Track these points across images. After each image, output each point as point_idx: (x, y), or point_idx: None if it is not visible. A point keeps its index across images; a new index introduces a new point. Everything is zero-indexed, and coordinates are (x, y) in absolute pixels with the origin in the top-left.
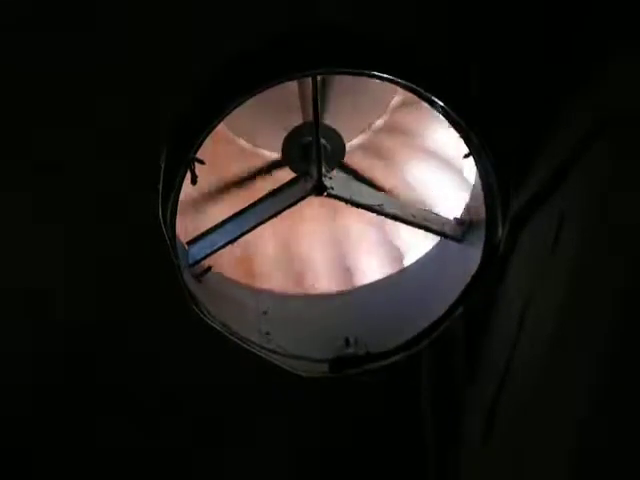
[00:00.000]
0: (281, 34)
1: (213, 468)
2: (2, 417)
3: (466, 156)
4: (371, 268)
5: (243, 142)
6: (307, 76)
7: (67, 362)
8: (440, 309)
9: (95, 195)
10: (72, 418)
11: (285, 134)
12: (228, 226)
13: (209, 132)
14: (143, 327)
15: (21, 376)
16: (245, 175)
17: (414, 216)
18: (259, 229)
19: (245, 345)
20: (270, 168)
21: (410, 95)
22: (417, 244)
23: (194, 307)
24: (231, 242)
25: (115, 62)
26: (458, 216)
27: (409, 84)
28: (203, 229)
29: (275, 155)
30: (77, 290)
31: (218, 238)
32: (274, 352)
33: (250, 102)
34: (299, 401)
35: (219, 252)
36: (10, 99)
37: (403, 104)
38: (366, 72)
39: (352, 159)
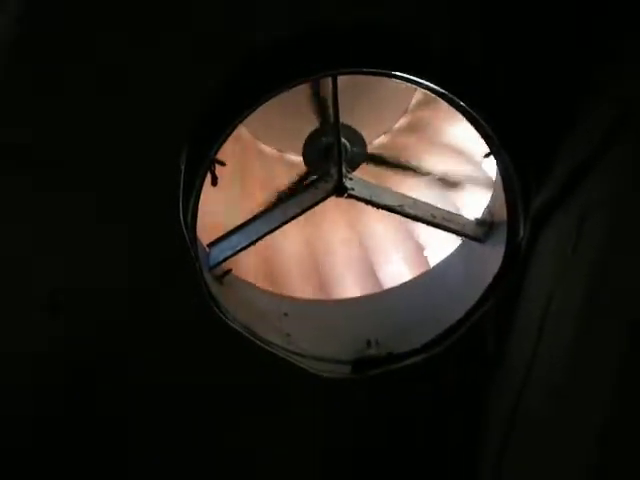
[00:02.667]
0: (302, 35)
1: (231, 470)
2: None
3: (487, 155)
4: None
5: (264, 146)
6: (327, 76)
7: (97, 359)
8: (462, 310)
9: (116, 197)
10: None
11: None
12: (249, 228)
13: (229, 133)
14: (164, 329)
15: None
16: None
17: (434, 216)
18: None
19: (266, 347)
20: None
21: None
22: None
23: (215, 309)
24: (252, 244)
25: (136, 61)
26: (479, 216)
27: (429, 84)
28: None
29: (297, 158)
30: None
31: (239, 240)
32: (295, 354)
33: (270, 104)
34: (321, 402)
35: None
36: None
37: (423, 102)
38: (386, 72)
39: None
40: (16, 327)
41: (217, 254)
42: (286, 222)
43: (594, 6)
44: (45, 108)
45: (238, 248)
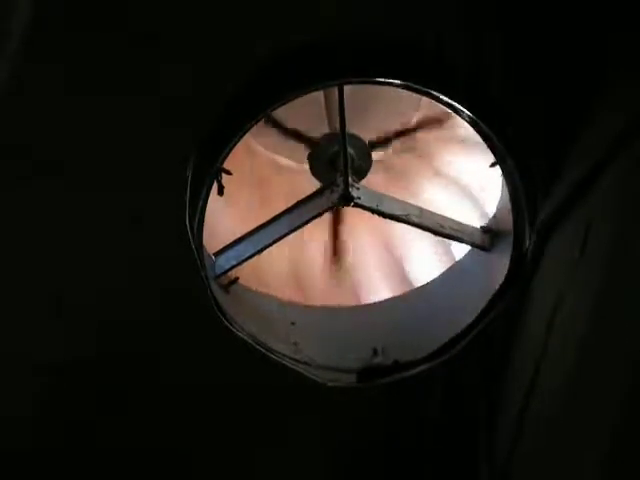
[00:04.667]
0: (309, 43)
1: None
2: None
3: (492, 165)
4: None
5: (268, 153)
6: (333, 86)
7: (97, 367)
8: (468, 318)
9: (123, 205)
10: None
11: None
12: (255, 237)
13: (236, 142)
14: (170, 339)
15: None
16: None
17: (441, 226)
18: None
19: (273, 356)
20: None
21: (428, 116)
22: None
23: (222, 318)
24: (258, 252)
25: (148, 67)
26: (485, 225)
27: (435, 93)
28: None
29: (301, 166)
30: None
31: (245, 249)
32: (302, 362)
33: (276, 112)
34: (327, 411)
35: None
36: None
37: (421, 125)
38: (390, 81)
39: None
40: (16, 327)
41: (223, 263)
42: (292, 231)
43: (606, 14)
44: (48, 109)
45: (244, 257)
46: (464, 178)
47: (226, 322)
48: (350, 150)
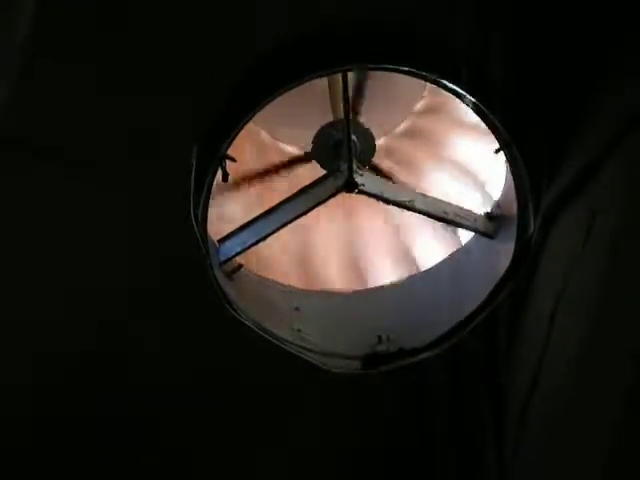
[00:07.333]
0: (312, 30)
1: (245, 467)
2: None
3: (497, 151)
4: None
5: (271, 139)
6: (337, 72)
7: (97, 362)
8: (472, 305)
9: (127, 193)
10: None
11: (315, 132)
12: (259, 224)
13: (240, 129)
14: (174, 325)
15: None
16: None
17: (445, 212)
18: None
19: (277, 342)
20: (292, 163)
21: (433, 101)
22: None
23: (226, 305)
24: (262, 239)
25: (148, 59)
26: (489, 212)
27: (440, 79)
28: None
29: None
30: (109, 288)
31: (249, 236)
32: (306, 349)
33: (280, 99)
34: (331, 398)
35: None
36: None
37: (425, 110)
38: (397, 67)
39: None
40: (16, 326)
41: (227, 250)
42: (296, 218)
43: (609, 6)
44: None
45: (248, 244)
46: (469, 162)
47: (230, 308)
48: (354, 137)
